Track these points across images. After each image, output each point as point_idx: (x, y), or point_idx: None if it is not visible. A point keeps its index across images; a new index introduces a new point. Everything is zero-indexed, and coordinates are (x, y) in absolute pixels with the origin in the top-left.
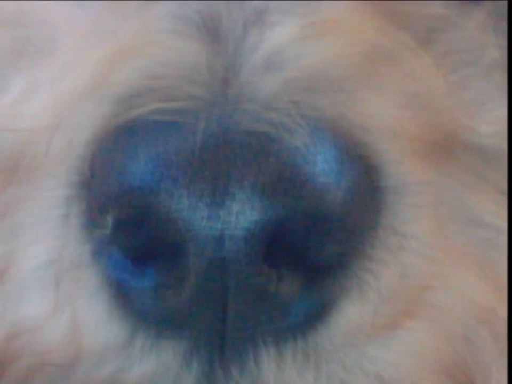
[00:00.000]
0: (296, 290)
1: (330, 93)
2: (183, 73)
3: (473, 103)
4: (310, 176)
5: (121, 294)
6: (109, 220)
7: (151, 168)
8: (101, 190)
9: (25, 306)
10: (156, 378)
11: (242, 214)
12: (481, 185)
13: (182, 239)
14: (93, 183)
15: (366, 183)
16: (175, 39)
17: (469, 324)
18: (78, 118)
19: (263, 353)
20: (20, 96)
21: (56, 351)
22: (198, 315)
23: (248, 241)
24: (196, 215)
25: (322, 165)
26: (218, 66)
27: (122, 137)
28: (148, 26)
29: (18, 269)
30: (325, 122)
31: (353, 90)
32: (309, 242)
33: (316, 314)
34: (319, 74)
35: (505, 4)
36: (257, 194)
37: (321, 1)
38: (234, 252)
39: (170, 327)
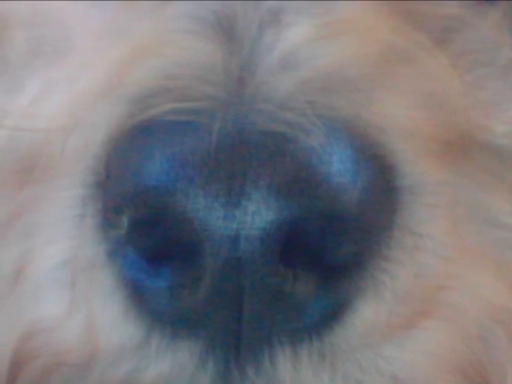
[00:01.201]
0: (312, 290)
1: (346, 93)
2: (198, 73)
3: (489, 103)
4: (325, 176)
5: (136, 294)
6: (125, 220)
7: (167, 168)
8: (116, 190)
9: (41, 306)
10: (171, 379)
11: (258, 214)
12: (497, 185)
13: (197, 239)
14: (108, 183)
15: (382, 183)
16: (191, 39)
17: (484, 324)
18: (93, 118)
19: (278, 353)
20: (36, 96)
21: (72, 351)
22: (213, 315)
23: (264, 241)
24: (212, 215)
25: (338, 165)
26: (233, 66)
27: (137, 137)
28: (163, 26)
29: (34, 269)
30: (340, 122)
31: (369, 90)
32: (325, 242)
33: (332, 314)
34: (334, 74)
35: None
36: (273, 194)
37: (336, 1)
38: (250, 251)
39: (185, 327)
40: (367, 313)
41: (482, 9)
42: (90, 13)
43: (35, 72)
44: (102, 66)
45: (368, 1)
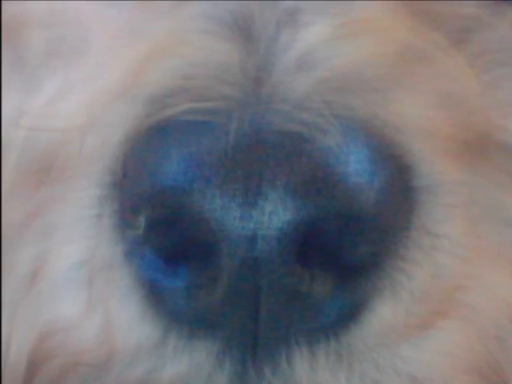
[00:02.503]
0: (329, 290)
1: (363, 92)
2: (215, 73)
3: (506, 103)
4: (342, 176)
5: (153, 294)
6: (142, 220)
7: (184, 168)
8: (133, 190)
9: (59, 306)
10: (188, 379)
11: (275, 214)
12: None
13: (214, 239)
14: (125, 183)
15: (399, 183)
16: (207, 39)
17: (501, 323)
18: (110, 118)
19: (295, 353)
20: (53, 96)
21: (89, 351)
22: (230, 315)
23: (281, 241)
24: (229, 215)
25: (355, 165)
26: (250, 66)
27: (154, 137)
28: (179, 26)
29: (52, 269)
30: (357, 122)
31: (386, 90)
32: (342, 242)
33: (349, 314)
34: (351, 74)
35: None
36: (290, 194)
37: (353, 1)
38: (267, 252)
39: (203, 327)
40: (384, 313)
41: (500, 9)
42: (107, 13)
43: (52, 72)
44: (119, 66)
45: (385, 1)
